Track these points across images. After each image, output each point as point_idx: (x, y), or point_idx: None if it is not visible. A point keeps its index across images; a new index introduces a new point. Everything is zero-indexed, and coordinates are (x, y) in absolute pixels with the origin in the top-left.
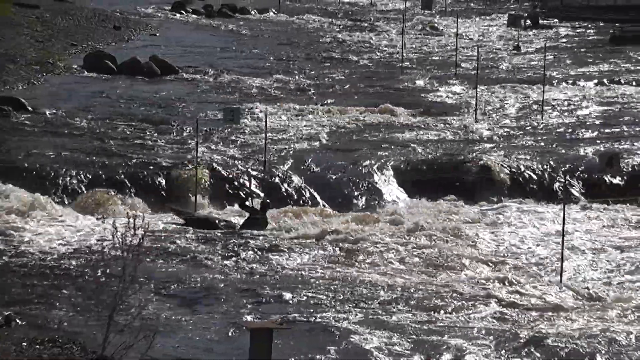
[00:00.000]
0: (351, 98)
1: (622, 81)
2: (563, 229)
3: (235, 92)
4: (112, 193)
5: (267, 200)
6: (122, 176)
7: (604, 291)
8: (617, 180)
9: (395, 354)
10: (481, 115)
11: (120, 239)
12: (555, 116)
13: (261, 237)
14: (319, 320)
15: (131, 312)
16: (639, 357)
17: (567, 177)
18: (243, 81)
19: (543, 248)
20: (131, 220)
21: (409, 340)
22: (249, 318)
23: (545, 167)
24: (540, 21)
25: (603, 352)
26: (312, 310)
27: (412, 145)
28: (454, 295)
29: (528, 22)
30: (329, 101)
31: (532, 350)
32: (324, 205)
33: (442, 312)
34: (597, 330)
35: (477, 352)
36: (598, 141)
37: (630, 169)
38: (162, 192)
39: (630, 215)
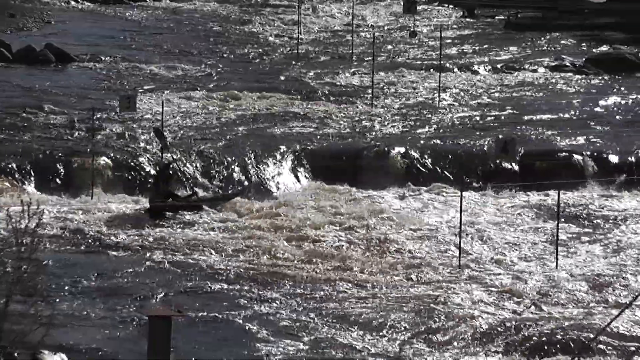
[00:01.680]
0: (246, 85)
1: (517, 67)
2: (460, 214)
3: (131, 80)
4: (8, 182)
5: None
6: (17, 165)
7: (499, 273)
8: (512, 166)
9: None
10: (377, 102)
11: (14, 226)
12: (451, 102)
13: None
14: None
15: (31, 300)
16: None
17: (463, 163)
18: (139, 68)
19: (441, 233)
20: (26, 207)
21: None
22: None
23: (441, 153)
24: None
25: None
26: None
27: (307, 132)
28: (345, 285)
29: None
30: (225, 88)
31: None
32: (218, 191)
33: (332, 301)
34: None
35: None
36: (493, 127)
37: (524, 155)
38: (58, 181)
39: (525, 201)
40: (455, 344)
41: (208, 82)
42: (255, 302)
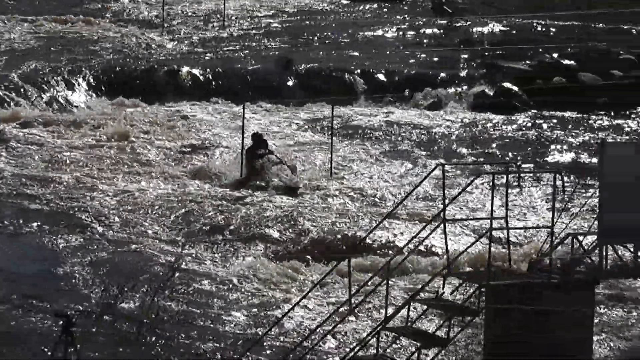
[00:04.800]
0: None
1: None
2: (243, 125)
3: None
4: None
5: None
6: None
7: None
8: (291, 83)
9: None
10: (168, 26)
11: None
12: (238, 26)
13: None
14: None
15: None
16: None
17: (246, 80)
18: None
19: (224, 139)
20: None
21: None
22: None
23: (225, 71)
24: None
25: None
26: None
27: (104, 51)
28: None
29: None
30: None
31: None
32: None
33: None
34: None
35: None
36: (276, 49)
37: (303, 72)
38: None
39: (299, 114)
40: None
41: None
42: None
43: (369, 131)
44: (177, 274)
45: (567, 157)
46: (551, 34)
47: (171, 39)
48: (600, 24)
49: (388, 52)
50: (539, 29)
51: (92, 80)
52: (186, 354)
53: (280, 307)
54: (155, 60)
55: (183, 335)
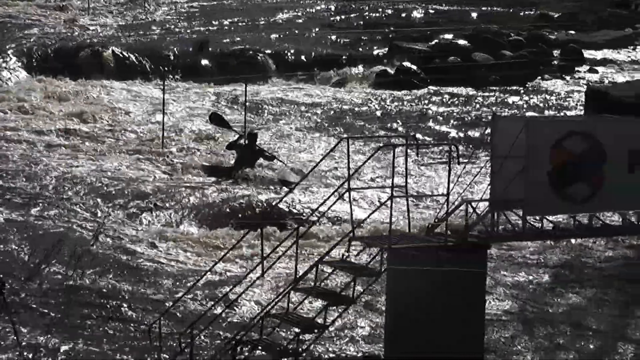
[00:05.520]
0: None
1: None
2: (163, 103)
3: None
4: None
5: None
6: None
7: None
8: (207, 62)
9: None
10: (92, 9)
11: None
12: (159, 11)
13: None
14: None
15: None
16: None
17: (167, 61)
18: None
19: (144, 120)
20: None
21: None
22: None
23: (147, 52)
24: None
25: None
26: None
27: (32, 32)
28: None
29: None
30: None
31: None
32: None
33: None
34: None
35: None
36: (194, 31)
37: (218, 53)
38: None
39: (214, 93)
40: None
41: None
42: None
43: (280, 108)
44: (99, 240)
45: (462, 130)
46: (447, 17)
47: (95, 22)
48: (494, 8)
49: (297, 32)
50: (436, 13)
51: (18, 59)
52: (108, 314)
53: (199, 273)
54: (80, 42)
55: (105, 297)
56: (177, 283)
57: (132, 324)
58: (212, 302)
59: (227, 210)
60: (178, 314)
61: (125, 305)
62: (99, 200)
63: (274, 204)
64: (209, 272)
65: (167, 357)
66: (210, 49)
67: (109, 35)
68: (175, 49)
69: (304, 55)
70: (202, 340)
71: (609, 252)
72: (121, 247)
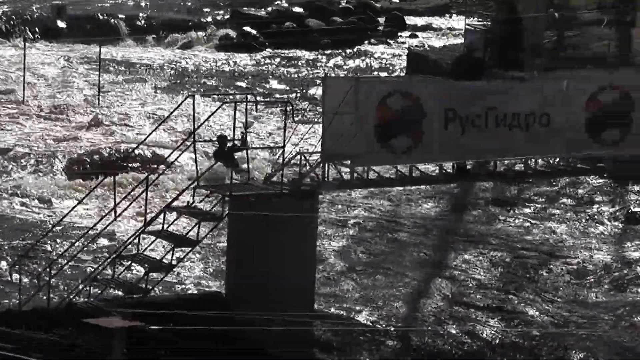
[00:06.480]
0: None
1: None
2: (24, 64)
3: None
4: None
5: None
6: None
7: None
8: (64, 26)
9: None
10: None
11: None
12: None
13: None
14: None
15: None
16: None
17: (26, 23)
18: None
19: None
20: None
21: None
22: None
23: (6, 15)
24: None
25: None
26: None
27: None
28: None
29: None
30: None
31: None
32: None
33: None
34: None
35: None
36: None
37: (74, 17)
38: None
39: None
40: None
41: None
42: None
43: (132, 69)
44: None
45: (297, 89)
46: None
47: None
48: None
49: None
50: None
51: None
52: None
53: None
54: None
55: None
56: (35, 230)
57: None
58: (68, 244)
59: (84, 159)
60: (36, 259)
61: None
62: None
63: (129, 151)
64: (66, 217)
65: (26, 297)
66: (67, 13)
67: None
68: (36, 12)
69: (154, 20)
70: (59, 280)
71: (427, 200)
72: None
